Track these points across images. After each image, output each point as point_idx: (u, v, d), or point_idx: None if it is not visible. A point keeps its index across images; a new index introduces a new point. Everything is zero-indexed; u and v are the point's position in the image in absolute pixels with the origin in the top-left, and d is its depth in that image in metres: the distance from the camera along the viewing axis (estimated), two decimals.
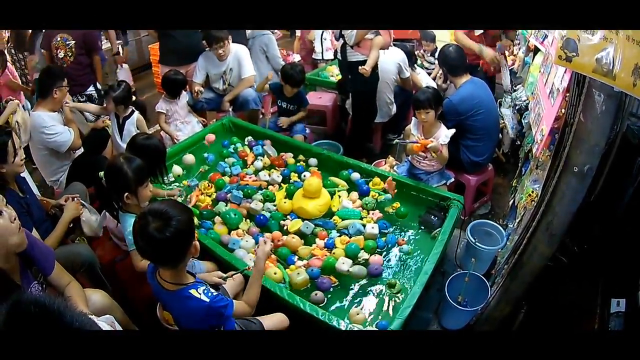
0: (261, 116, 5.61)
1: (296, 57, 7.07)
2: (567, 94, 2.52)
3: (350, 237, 3.36)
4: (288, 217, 3.62)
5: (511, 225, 3.63)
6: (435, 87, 4.57)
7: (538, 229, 2.41)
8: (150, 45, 7.56)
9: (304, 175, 4.06)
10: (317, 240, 3.39)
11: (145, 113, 4.63)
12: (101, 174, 2.92)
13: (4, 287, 2.20)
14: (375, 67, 4.58)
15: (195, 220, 3.37)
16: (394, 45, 5.03)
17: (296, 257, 3.22)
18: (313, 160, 4.35)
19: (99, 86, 5.43)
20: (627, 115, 2.21)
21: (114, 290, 3.07)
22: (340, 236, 3.40)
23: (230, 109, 5.31)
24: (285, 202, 3.69)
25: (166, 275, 2.13)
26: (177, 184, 3.99)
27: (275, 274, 2.98)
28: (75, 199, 3.34)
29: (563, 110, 2.64)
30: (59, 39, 4.96)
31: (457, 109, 3.91)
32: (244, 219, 3.56)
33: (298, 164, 4.32)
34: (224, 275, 2.65)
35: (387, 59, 4.87)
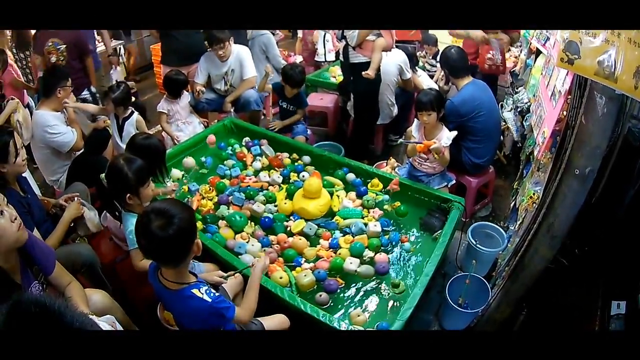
0: (262, 117, 5.61)
1: (298, 58, 7.08)
2: (569, 97, 2.52)
3: (353, 237, 3.37)
4: (291, 217, 3.61)
5: (512, 228, 3.63)
6: (437, 88, 4.56)
7: (539, 231, 2.41)
8: (152, 46, 7.56)
9: (303, 175, 4.07)
10: (321, 240, 3.38)
11: (145, 114, 4.63)
12: (102, 175, 2.92)
13: (5, 286, 2.20)
14: (377, 69, 4.58)
15: (200, 225, 3.39)
16: (396, 46, 5.03)
17: (303, 259, 3.20)
18: (306, 158, 4.37)
19: (93, 89, 5.41)
20: (629, 118, 2.22)
21: (115, 291, 3.07)
22: (343, 236, 3.40)
23: (232, 110, 5.31)
24: (285, 203, 3.69)
25: (168, 275, 2.14)
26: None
27: (281, 278, 2.96)
28: (76, 198, 3.34)
29: (565, 113, 2.64)
30: (50, 43, 4.93)
31: (459, 110, 3.91)
32: (248, 221, 3.54)
33: (296, 164, 4.33)
34: (225, 274, 2.66)
35: (388, 60, 4.87)
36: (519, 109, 4.43)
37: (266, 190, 3.91)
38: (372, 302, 2.95)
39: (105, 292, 2.76)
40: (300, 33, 7.43)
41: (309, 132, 5.25)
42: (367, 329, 2.65)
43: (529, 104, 4.12)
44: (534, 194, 3.14)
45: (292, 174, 4.16)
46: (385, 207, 3.68)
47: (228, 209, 3.64)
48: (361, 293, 3.02)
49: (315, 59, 7.22)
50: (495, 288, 3.01)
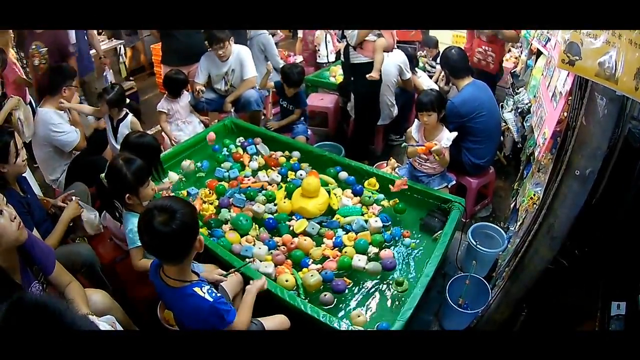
0: (263, 117, 5.61)
1: (298, 59, 7.09)
2: (570, 98, 2.52)
3: (356, 234, 3.38)
4: (293, 217, 3.61)
5: (512, 228, 3.63)
6: (437, 89, 4.56)
7: (539, 231, 2.42)
8: (153, 45, 7.56)
9: (301, 174, 4.08)
10: (324, 240, 3.39)
11: (140, 116, 4.62)
12: (102, 175, 2.92)
13: (4, 286, 2.20)
14: (380, 70, 4.58)
15: (205, 231, 3.39)
16: (396, 47, 5.03)
17: (310, 260, 3.19)
18: (296, 153, 4.42)
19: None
20: (629, 119, 2.22)
21: (115, 291, 3.07)
22: (346, 233, 3.41)
23: (232, 110, 5.31)
24: (285, 202, 3.69)
25: (171, 272, 2.14)
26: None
27: (287, 281, 2.96)
28: (73, 198, 3.34)
29: (565, 114, 2.65)
30: (33, 46, 4.84)
31: (459, 111, 3.91)
32: (253, 223, 3.54)
33: (293, 162, 4.35)
34: (224, 272, 2.66)
35: (388, 61, 4.86)
36: (519, 110, 4.43)
37: (265, 190, 3.90)
38: (373, 302, 2.96)
39: (105, 292, 2.76)
40: (300, 33, 7.42)
41: (309, 132, 5.25)
42: (368, 329, 2.65)
43: (529, 104, 4.12)
44: (534, 194, 3.14)
45: (289, 172, 4.17)
46: (383, 202, 3.70)
47: (229, 211, 3.62)
48: (365, 292, 3.03)
49: (317, 60, 7.22)
50: (495, 289, 3.01)
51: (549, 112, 2.84)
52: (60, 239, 3.09)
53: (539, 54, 4.00)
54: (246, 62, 5.23)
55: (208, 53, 5.26)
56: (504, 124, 4.64)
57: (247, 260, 2.92)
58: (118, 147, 4.09)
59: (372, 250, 3.25)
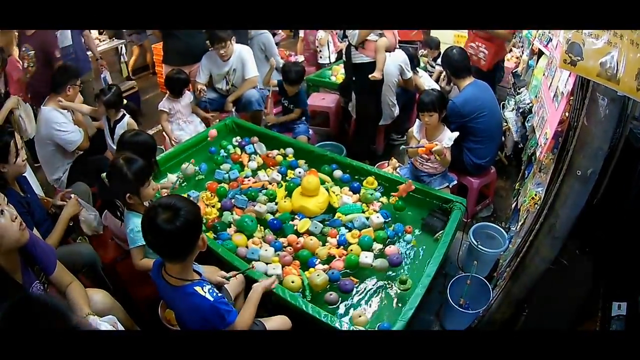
0: (264, 117, 5.61)
1: (299, 59, 7.09)
2: (571, 98, 2.52)
3: (360, 231, 3.39)
4: (296, 217, 3.60)
5: (514, 228, 3.63)
6: (439, 89, 4.56)
7: (540, 232, 2.42)
8: (154, 45, 7.57)
9: (299, 172, 4.09)
10: (328, 238, 3.39)
11: (137, 117, 4.62)
12: (103, 175, 2.92)
13: (5, 286, 2.20)
14: (382, 69, 4.58)
15: (211, 235, 3.38)
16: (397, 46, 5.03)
17: (317, 260, 3.19)
18: (289, 150, 4.45)
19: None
20: (630, 119, 2.22)
21: (116, 290, 3.07)
22: (349, 231, 3.42)
23: (234, 110, 5.31)
24: (285, 202, 3.68)
25: (173, 271, 2.14)
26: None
27: (292, 282, 2.95)
28: (72, 196, 3.33)
29: (567, 114, 2.64)
30: (23, 49, 4.84)
31: (460, 111, 3.91)
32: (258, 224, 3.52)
33: (291, 160, 4.36)
34: (227, 274, 2.66)
35: (389, 61, 4.85)
36: (520, 110, 4.43)
37: (266, 190, 3.89)
38: (375, 302, 2.96)
39: (106, 292, 2.76)
40: (301, 33, 7.41)
41: (310, 132, 5.25)
42: (369, 330, 2.65)
43: (530, 104, 4.11)
44: (535, 194, 3.14)
45: (288, 171, 4.18)
46: (382, 200, 3.73)
47: (232, 214, 3.60)
48: (366, 292, 3.03)
49: (319, 61, 7.21)
50: (496, 289, 3.01)
51: (550, 112, 2.84)
52: (60, 238, 3.09)
53: (540, 54, 4.00)
54: (248, 61, 5.22)
55: (209, 52, 5.26)
56: (505, 123, 4.63)
57: (249, 266, 2.91)
58: (115, 147, 4.10)
59: (377, 246, 3.26)
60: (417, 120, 3.80)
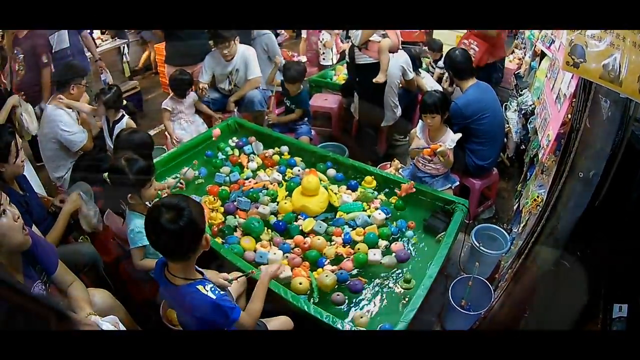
0: (266, 117, 5.61)
1: (302, 59, 7.09)
2: (574, 100, 2.52)
3: (364, 229, 3.40)
4: (300, 217, 3.60)
5: (515, 230, 3.63)
6: (441, 89, 4.56)
7: (542, 233, 2.42)
8: (156, 45, 7.56)
9: (298, 170, 4.11)
10: (333, 237, 3.39)
11: (136, 118, 4.62)
12: (105, 175, 2.92)
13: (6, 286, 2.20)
14: (385, 71, 4.58)
15: (219, 240, 3.35)
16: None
17: (327, 260, 3.18)
18: (284, 148, 4.46)
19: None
20: (632, 121, 2.22)
21: (117, 290, 3.08)
22: (353, 229, 3.42)
23: (236, 110, 5.31)
24: (286, 203, 3.67)
25: (176, 270, 2.14)
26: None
27: (300, 284, 2.93)
28: (74, 192, 3.33)
29: (569, 116, 2.65)
30: (15, 51, 4.83)
31: (463, 112, 3.90)
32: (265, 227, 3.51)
33: (286, 157, 4.38)
34: (230, 277, 2.66)
35: (391, 62, 4.84)
36: (522, 112, 4.43)
37: (267, 190, 3.88)
38: (376, 303, 2.95)
39: (107, 292, 2.77)
40: (304, 33, 7.41)
41: (312, 132, 5.25)
42: (370, 330, 2.65)
43: (533, 106, 4.12)
44: (538, 196, 3.14)
45: (288, 170, 4.18)
46: (380, 196, 3.76)
47: (235, 217, 3.58)
48: (368, 293, 3.03)
49: (322, 62, 7.21)
50: (498, 290, 3.01)
51: (553, 114, 2.84)
52: (61, 233, 3.09)
53: (542, 55, 4.00)
54: (251, 62, 5.22)
55: (212, 52, 5.26)
56: (508, 125, 4.63)
57: (250, 271, 2.90)
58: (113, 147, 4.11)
59: (382, 243, 3.27)
60: (420, 121, 3.79)
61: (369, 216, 3.50)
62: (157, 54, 7.65)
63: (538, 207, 3.04)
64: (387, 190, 3.86)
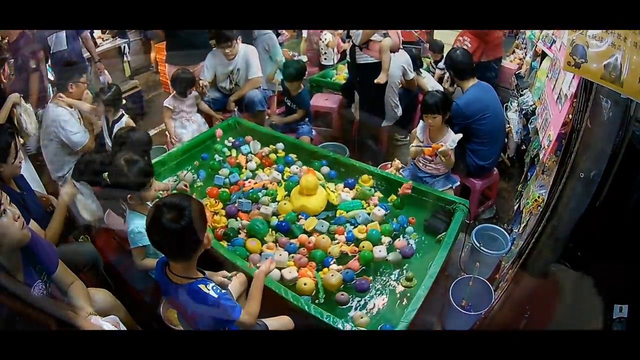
0: (267, 117, 5.61)
1: (303, 59, 7.08)
2: (575, 100, 2.52)
3: (366, 226, 3.41)
4: (301, 216, 3.58)
5: (516, 230, 3.62)
6: (442, 89, 4.56)
7: (543, 234, 2.42)
8: (157, 44, 7.56)
9: (296, 168, 4.12)
10: (336, 236, 3.38)
11: (135, 118, 4.61)
12: (105, 174, 2.92)
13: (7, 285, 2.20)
14: (387, 70, 4.58)
15: (225, 243, 3.33)
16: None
17: (333, 259, 3.17)
18: (280, 145, 4.47)
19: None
20: (633, 121, 2.22)
21: (118, 290, 3.08)
22: (355, 227, 3.43)
23: (236, 110, 5.31)
24: (285, 204, 3.65)
25: (177, 269, 2.14)
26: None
27: (305, 284, 2.93)
28: (69, 180, 3.32)
29: (570, 116, 2.64)
30: (7, 55, 4.75)
31: (464, 112, 3.90)
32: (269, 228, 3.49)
33: (281, 155, 4.39)
34: (228, 274, 2.66)
35: (392, 62, 4.85)
36: (523, 112, 4.43)
37: (266, 190, 3.87)
38: (376, 304, 2.95)
39: (108, 292, 2.77)
40: (305, 33, 7.40)
41: (313, 132, 5.24)
42: (371, 330, 2.65)
43: (533, 106, 4.11)
44: (538, 197, 3.14)
45: (286, 169, 4.18)
46: (377, 193, 3.77)
47: (236, 220, 3.55)
48: (369, 293, 3.01)
49: (323, 62, 7.20)
50: (498, 290, 3.01)
51: (554, 115, 2.83)
52: (61, 225, 3.06)
53: (543, 55, 4.00)
54: (252, 61, 5.21)
55: (214, 50, 5.26)
56: (508, 125, 4.63)
57: (249, 264, 2.90)
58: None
59: (385, 240, 3.28)
60: (421, 121, 3.79)
61: (368, 213, 3.50)
62: (157, 53, 7.65)
63: (539, 208, 3.03)
64: (385, 188, 3.86)
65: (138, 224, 2.79)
